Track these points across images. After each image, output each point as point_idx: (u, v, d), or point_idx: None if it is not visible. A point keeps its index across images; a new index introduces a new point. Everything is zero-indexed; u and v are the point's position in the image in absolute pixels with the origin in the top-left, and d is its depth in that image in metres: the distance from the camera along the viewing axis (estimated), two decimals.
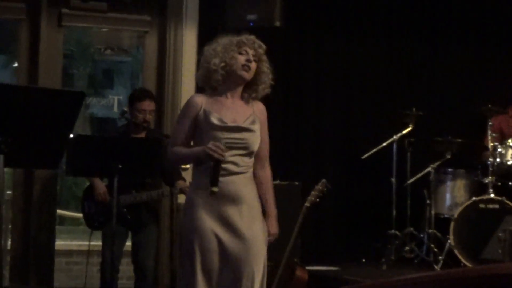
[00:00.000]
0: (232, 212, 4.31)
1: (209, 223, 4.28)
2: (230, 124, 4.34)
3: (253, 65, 4.41)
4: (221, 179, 4.22)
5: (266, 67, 4.47)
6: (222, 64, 4.38)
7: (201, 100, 4.41)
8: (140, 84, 8.56)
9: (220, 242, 4.28)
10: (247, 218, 4.35)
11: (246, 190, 4.38)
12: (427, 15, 8.67)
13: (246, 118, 4.41)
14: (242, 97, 4.48)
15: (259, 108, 4.52)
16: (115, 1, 7.79)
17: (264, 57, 4.47)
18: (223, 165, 4.25)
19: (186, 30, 7.87)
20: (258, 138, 4.42)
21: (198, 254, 4.27)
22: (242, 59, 4.39)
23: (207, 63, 4.43)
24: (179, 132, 4.44)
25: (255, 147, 4.40)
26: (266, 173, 4.57)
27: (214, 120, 4.31)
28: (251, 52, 4.41)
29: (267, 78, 4.47)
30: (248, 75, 4.41)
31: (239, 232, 4.31)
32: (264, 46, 4.48)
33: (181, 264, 4.41)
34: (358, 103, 8.55)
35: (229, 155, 4.28)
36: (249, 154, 4.39)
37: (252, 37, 4.47)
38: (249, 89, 4.47)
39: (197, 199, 4.33)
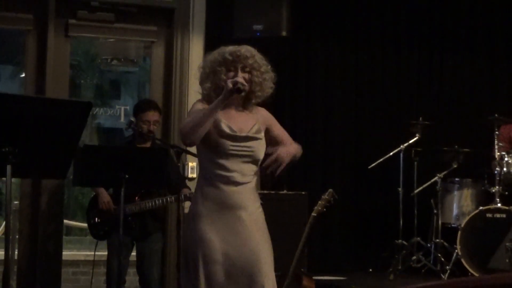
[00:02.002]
0: (236, 222, 4.27)
1: (213, 234, 4.23)
2: (239, 133, 4.31)
3: (246, 77, 4.31)
4: (225, 188, 4.25)
5: (258, 75, 4.35)
6: (214, 87, 4.34)
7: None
8: (147, 94, 8.54)
9: (224, 253, 4.23)
10: (252, 228, 4.30)
11: (250, 200, 4.34)
12: (434, 25, 8.65)
13: (251, 127, 4.38)
14: (244, 106, 4.43)
15: (262, 115, 4.48)
16: (122, 11, 7.78)
17: (256, 64, 4.35)
18: (229, 174, 4.25)
19: (193, 40, 7.85)
20: (263, 146, 4.39)
21: (201, 265, 4.21)
22: (230, 77, 4.30)
23: (201, 85, 4.42)
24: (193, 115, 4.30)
25: (261, 155, 4.37)
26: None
27: (225, 128, 4.27)
28: (240, 65, 4.32)
29: (259, 87, 4.36)
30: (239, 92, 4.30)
31: (243, 242, 4.26)
32: (253, 53, 4.36)
33: (185, 276, 4.35)
34: (365, 113, 8.52)
35: (235, 164, 4.28)
36: (255, 162, 4.36)
37: (237, 49, 4.35)
38: (246, 98, 4.40)
39: (201, 209, 4.29)
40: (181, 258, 4.35)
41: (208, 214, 4.26)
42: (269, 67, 4.43)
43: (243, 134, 4.32)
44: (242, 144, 4.30)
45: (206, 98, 4.38)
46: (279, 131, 4.53)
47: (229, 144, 4.27)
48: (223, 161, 4.27)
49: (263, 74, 4.38)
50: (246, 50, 4.38)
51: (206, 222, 4.25)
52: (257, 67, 4.36)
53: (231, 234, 4.25)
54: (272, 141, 4.48)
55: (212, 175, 4.29)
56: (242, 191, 4.30)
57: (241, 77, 4.27)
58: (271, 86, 4.44)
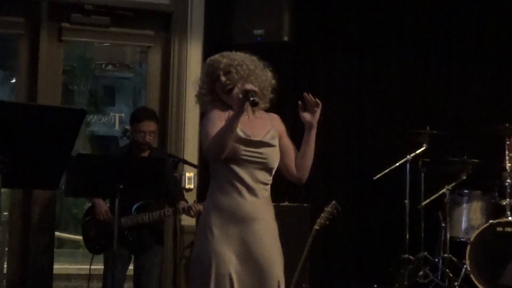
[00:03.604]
0: (249, 233, 4.17)
1: (225, 246, 4.13)
2: (253, 138, 4.21)
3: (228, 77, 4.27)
4: (238, 198, 4.14)
5: (238, 70, 4.25)
6: (208, 98, 4.35)
7: (224, 113, 4.27)
8: (143, 101, 8.54)
9: (236, 266, 4.13)
10: (265, 240, 4.21)
11: (263, 210, 4.24)
12: (442, 32, 8.58)
13: (266, 133, 4.29)
14: (253, 112, 4.34)
15: (276, 120, 4.42)
16: (118, 15, 7.73)
17: (235, 62, 4.26)
18: (241, 181, 4.15)
19: (191, 45, 7.81)
20: (277, 154, 4.30)
21: (213, 278, 4.10)
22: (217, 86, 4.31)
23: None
24: (213, 129, 4.16)
25: (275, 163, 4.28)
26: None
27: (239, 132, 4.15)
28: (220, 72, 4.27)
29: (244, 81, 4.24)
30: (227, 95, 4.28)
31: (256, 253, 4.16)
32: (224, 54, 4.32)
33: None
34: (370, 121, 8.45)
35: (247, 171, 4.18)
36: (268, 170, 4.25)
37: (214, 58, 4.33)
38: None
39: (213, 220, 4.18)
40: (191, 269, 4.26)
41: (220, 225, 4.17)
42: (254, 57, 4.36)
43: (257, 139, 4.23)
44: (255, 149, 4.20)
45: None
46: (288, 141, 4.43)
47: (242, 148, 4.16)
48: (235, 167, 4.17)
49: (243, 66, 4.28)
50: (220, 54, 4.36)
51: (218, 233, 4.15)
52: (235, 64, 4.27)
53: (244, 246, 4.16)
54: (280, 149, 4.38)
55: (224, 183, 4.19)
56: (255, 202, 4.20)
57: (250, 85, 4.11)
58: (264, 78, 4.34)
